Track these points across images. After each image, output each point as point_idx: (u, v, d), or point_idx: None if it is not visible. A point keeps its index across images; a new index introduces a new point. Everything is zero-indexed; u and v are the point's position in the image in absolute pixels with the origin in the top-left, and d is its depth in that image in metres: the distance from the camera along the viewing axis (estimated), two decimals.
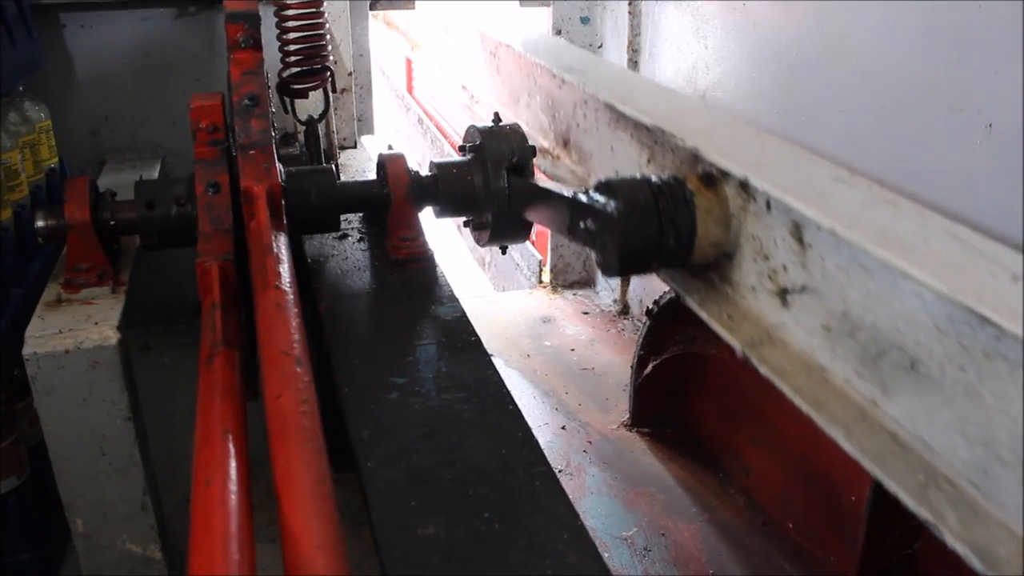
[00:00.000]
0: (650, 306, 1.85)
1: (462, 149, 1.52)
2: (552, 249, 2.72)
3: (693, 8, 2.01)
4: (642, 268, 1.10)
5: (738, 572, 1.58)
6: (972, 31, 1.25)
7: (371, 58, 2.48)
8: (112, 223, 1.36)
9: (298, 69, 1.78)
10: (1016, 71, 1.17)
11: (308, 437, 0.72)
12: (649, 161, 1.29)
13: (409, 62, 4.98)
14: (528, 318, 2.55)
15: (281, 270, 1.02)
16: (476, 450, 1.01)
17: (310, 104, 1.86)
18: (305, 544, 0.62)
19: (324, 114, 1.89)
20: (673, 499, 1.77)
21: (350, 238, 1.59)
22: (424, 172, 1.49)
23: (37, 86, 1.86)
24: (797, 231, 0.96)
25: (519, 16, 2.72)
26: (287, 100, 1.81)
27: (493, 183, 1.44)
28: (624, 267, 1.06)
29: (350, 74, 2.34)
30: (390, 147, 1.56)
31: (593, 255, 1.14)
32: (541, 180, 1.43)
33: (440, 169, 1.48)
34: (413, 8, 2.49)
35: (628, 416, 2.01)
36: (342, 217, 1.51)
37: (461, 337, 1.25)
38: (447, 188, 1.47)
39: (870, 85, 1.45)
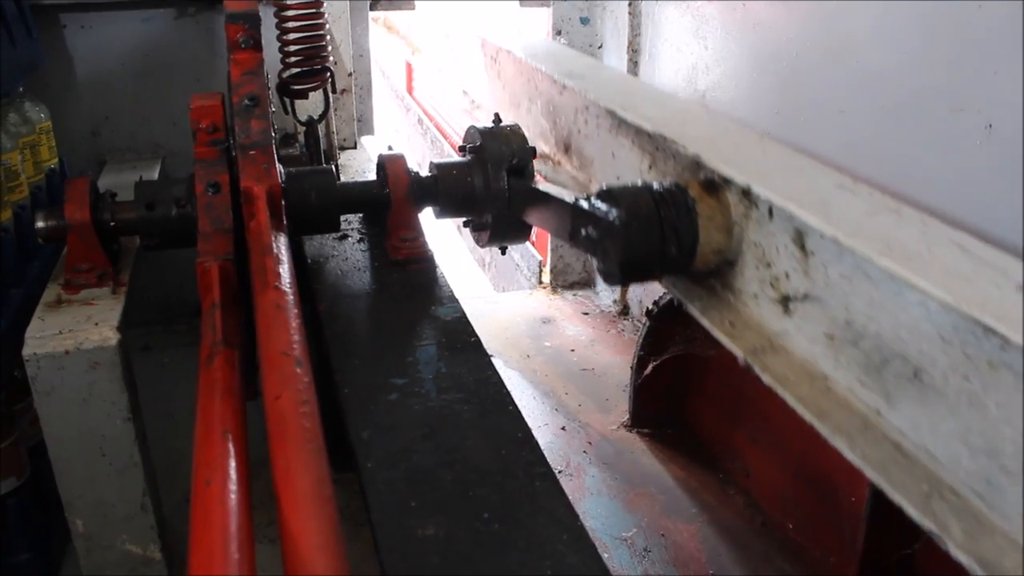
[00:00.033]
0: (650, 307, 1.85)
1: (462, 150, 1.53)
2: (552, 250, 2.72)
3: (693, 8, 2.01)
4: (644, 276, 1.10)
5: (738, 572, 1.58)
6: (972, 31, 1.25)
7: (371, 59, 2.49)
8: (112, 224, 1.36)
9: (298, 70, 1.78)
10: (1016, 71, 1.17)
11: (308, 438, 0.72)
12: (651, 167, 1.29)
13: (409, 66, 4.98)
14: (528, 319, 2.55)
15: (281, 271, 1.02)
16: (476, 451, 1.01)
17: (310, 105, 1.86)
18: (305, 545, 0.62)
19: (324, 115, 1.89)
20: (673, 500, 1.77)
21: (350, 239, 1.59)
22: (424, 173, 1.49)
23: (37, 87, 1.86)
24: (799, 239, 0.95)
25: (519, 17, 2.72)
26: (287, 101, 1.81)
27: (493, 184, 1.44)
28: (626, 276, 1.06)
29: (350, 75, 2.34)
30: (390, 148, 1.56)
31: (594, 261, 1.14)
32: (541, 183, 1.43)
33: (440, 170, 1.48)
34: (413, 8, 2.49)
35: (628, 417, 2.01)
36: (342, 218, 1.51)
37: (461, 338, 1.25)
38: (447, 189, 1.47)
39: (870, 85, 1.45)
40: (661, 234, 1.03)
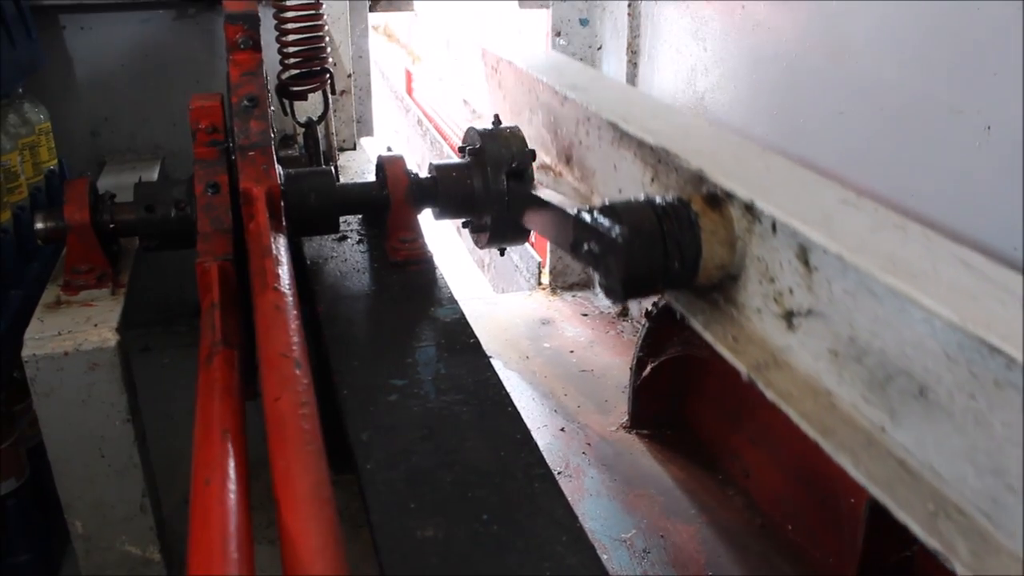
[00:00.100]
0: (649, 308, 1.85)
1: (461, 151, 1.53)
2: (551, 251, 2.72)
3: (692, 10, 2.01)
4: (646, 291, 1.10)
5: (737, 574, 1.58)
6: (971, 32, 1.25)
7: (370, 60, 2.49)
8: (112, 225, 1.36)
9: (297, 71, 1.78)
10: (1016, 73, 1.17)
11: (307, 439, 0.72)
12: (653, 180, 1.28)
13: (409, 74, 4.97)
14: (527, 320, 2.55)
15: (280, 272, 1.02)
16: (475, 452, 1.01)
17: (309, 106, 1.86)
18: (304, 546, 0.62)
19: (323, 116, 1.89)
20: (672, 501, 1.77)
21: (349, 240, 1.59)
22: (423, 174, 1.49)
23: (37, 87, 1.87)
24: (803, 254, 0.95)
25: (518, 18, 2.72)
26: (286, 102, 1.81)
27: (492, 185, 1.44)
28: (628, 292, 1.05)
29: (349, 76, 2.34)
30: (389, 149, 1.56)
31: (596, 276, 1.13)
32: (541, 191, 1.43)
33: (439, 171, 1.48)
34: (412, 10, 2.49)
35: (627, 418, 2.01)
36: (341, 219, 1.51)
37: (460, 339, 1.25)
38: (446, 190, 1.47)
39: (869, 87, 1.45)
40: (664, 250, 1.02)
